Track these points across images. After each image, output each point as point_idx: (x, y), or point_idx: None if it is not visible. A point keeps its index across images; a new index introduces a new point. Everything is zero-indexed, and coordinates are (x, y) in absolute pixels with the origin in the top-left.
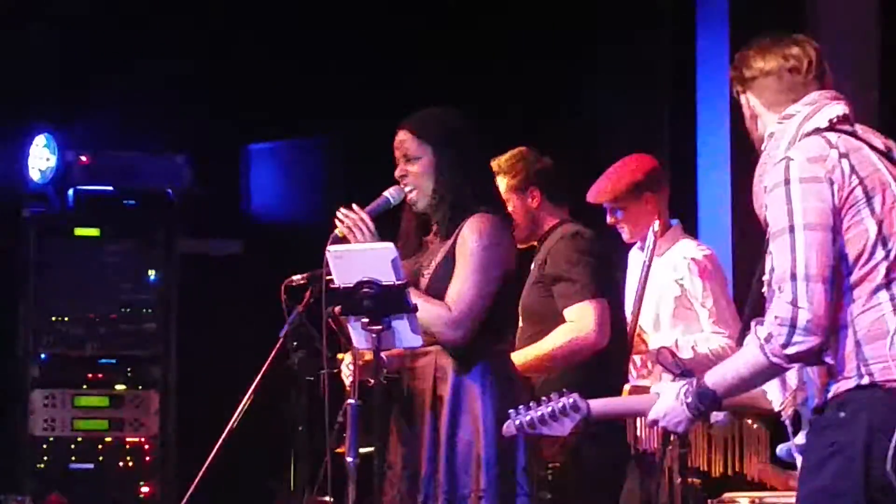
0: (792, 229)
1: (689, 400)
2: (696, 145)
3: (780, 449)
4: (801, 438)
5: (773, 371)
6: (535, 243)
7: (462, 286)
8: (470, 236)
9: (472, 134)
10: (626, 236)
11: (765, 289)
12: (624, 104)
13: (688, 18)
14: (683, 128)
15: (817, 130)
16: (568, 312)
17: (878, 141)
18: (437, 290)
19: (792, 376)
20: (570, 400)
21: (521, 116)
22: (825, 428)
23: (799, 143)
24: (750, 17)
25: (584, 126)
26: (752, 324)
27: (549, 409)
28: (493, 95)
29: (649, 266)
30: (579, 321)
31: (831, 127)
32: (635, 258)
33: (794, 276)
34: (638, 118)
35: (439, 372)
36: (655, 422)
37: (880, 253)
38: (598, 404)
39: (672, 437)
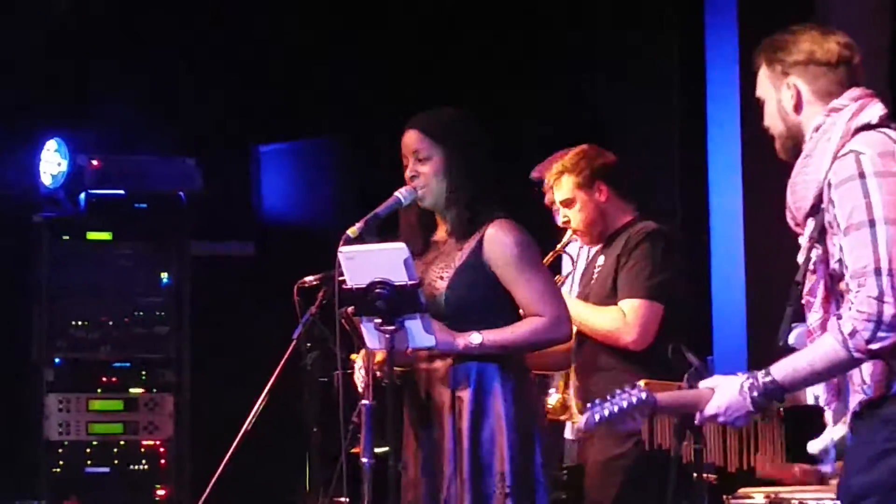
0: (873, 223)
1: (755, 395)
2: (707, 146)
3: (814, 445)
4: (838, 431)
5: (850, 366)
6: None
7: (534, 289)
8: (503, 244)
9: (480, 133)
10: (560, 219)
11: (792, 290)
12: (633, 106)
13: (696, 17)
14: (694, 130)
15: (868, 126)
16: (622, 303)
17: None
18: (459, 297)
19: None
20: (643, 395)
21: (530, 118)
22: (885, 422)
23: (856, 138)
24: (759, 14)
25: (594, 128)
26: (832, 318)
27: (625, 403)
28: (501, 96)
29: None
30: (628, 315)
31: (880, 124)
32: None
33: (878, 271)
34: (647, 120)
35: (457, 372)
36: (715, 416)
37: None
38: (664, 398)
39: (687, 433)
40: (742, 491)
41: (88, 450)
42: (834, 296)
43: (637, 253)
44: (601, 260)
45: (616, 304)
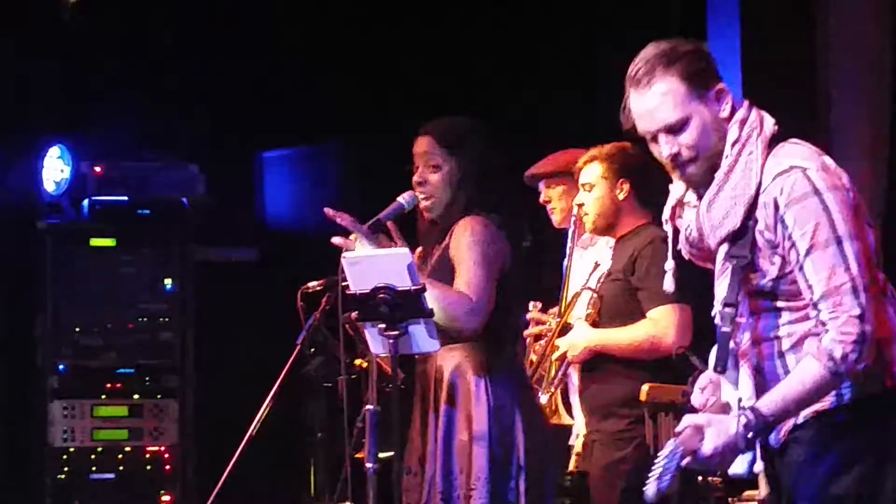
0: (840, 240)
1: (750, 436)
2: None
3: (742, 466)
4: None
5: (835, 387)
6: (615, 238)
7: (469, 278)
8: (462, 236)
9: (492, 143)
10: (555, 220)
11: (723, 312)
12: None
13: (699, 19)
14: None
15: (777, 136)
16: (651, 313)
17: None
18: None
19: (747, 384)
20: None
21: (533, 120)
22: (841, 432)
23: (782, 150)
24: (761, 14)
25: (596, 127)
26: (812, 341)
27: (676, 462)
28: (503, 99)
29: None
30: (661, 321)
31: (783, 132)
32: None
33: (855, 290)
34: None
35: (438, 373)
36: (711, 458)
37: (877, 257)
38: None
39: None
40: (747, 493)
41: (93, 456)
42: (758, 314)
43: (650, 263)
44: (608, 263)
45: (629, 307)
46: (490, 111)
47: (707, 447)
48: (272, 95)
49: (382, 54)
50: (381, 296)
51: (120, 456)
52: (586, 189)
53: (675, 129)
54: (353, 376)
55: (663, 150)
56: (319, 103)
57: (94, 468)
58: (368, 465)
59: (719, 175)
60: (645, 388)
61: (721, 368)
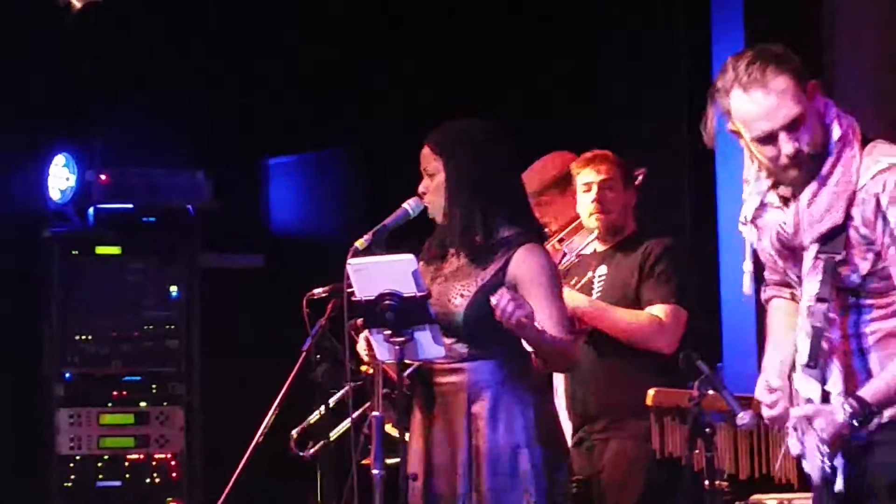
0: None
1: (856, 424)
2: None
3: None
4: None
5: None
6: (618, 241)
7: (556, 316)
8: (536, 264)
9: (496, 147)
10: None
11: (816, 307)
12: (640, 98)
13: (703, 20)
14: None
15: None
16: (654, 308)
17: None
18: (478, 315)
19: (837, 379)
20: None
21: (538, 113)
22: None
23: (875, 149)
24: (765, 19)
25: (600, 120)
26: None
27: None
28: (511, 95)
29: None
30: (666, 318)
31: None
32: None
33: None
34: (655, 123)
35: (473, 388)
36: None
37: None
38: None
39: (698, 441)
40: (755, 497)
41: (100, 464)
42: (846, 310)
43: (663, 262)
44: (602, 269)
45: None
46: (492, 111)
47: (827, 434)
48: (278, 102)
49: (389, 59)
50: (387, 302)
51: (126, 464)
52: (605, 184)
53: (795, 126)
54: (360, 383)
55: (784, 148)
56: (326, 109)
57: (100, 476)
58: (375, 471)
59: (823, 171)
60: (651, 392)
61: (814, 363)
